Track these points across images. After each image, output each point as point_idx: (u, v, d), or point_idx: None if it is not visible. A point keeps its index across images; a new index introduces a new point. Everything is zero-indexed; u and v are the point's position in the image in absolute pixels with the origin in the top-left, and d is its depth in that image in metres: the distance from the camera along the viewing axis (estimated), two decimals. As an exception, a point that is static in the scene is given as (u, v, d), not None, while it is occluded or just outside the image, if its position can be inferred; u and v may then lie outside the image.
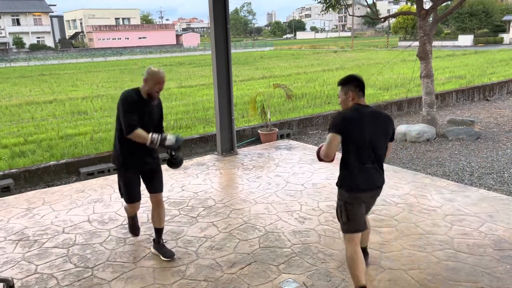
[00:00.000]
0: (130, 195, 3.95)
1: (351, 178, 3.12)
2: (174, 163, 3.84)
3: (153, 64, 33.70)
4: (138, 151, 3.74)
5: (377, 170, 3.15)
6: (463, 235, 4.19)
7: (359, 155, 3.07)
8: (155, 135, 3.62)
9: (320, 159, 3.25)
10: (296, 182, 5.86)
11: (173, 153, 3.76)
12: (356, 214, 3.15)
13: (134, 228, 4.35)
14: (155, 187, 3.97)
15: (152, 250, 4.07)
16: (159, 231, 4.04)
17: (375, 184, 3.18)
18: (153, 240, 4.10)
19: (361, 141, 3.05)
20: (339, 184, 3.21)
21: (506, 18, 47.71)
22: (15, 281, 3.31)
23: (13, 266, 3.91)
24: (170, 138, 3.66)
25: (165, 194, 5.56)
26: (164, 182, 5.97)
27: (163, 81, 3.70)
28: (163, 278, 3.64)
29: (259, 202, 5.22)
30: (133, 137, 3.59)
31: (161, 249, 4.00)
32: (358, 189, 3.12)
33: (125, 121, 3.57)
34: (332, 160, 3.15)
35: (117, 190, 5.71)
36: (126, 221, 4.69)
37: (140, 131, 3.58)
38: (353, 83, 3.16)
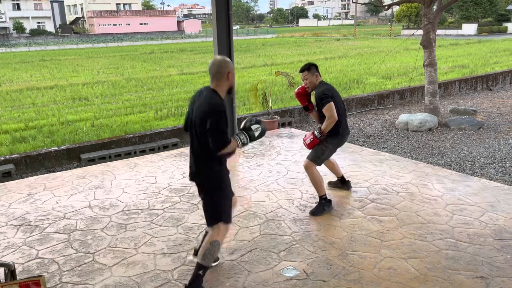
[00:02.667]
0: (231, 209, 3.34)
1: (341, 128, 4.43)
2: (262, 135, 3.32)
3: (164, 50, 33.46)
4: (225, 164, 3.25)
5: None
6: (464, 225, 4.19)
7: (340, 114, 4.32)
8: (241, 135, 3.18)
9: (309, 146, 4.46)
10: (297, 170, 5.85)
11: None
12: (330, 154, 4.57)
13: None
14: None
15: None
16: None
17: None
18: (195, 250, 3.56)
19: (340, 104, 4.41)
20: (336, 133, 4.38)
21: (510, 7, 47.22)
22: (16, 265, 3.32)
23: (14, 251, 3.93)
24: (255, 126, 3.20)
25: (166, 181, 5.57)
26: (165, 169, 6.02)
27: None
28: (164, 265, 3.65)
29: (260, 190, 5.22)
30: (229, 150, 3.07)
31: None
32: (344, 134, 4.54)
33: (221, 133, 2.95)
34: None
35: (118, 177, 5.75)
36: (133, 207, 4.71)
37: (231, 143, 3.06)
38: (314, 66, 4.41)
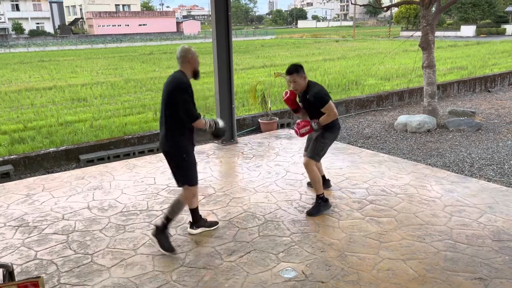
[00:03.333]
0: (197, 173, 3.91)
1: (338, 124, 4.54)
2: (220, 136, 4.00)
3: (153, 51, 33.48)
4: (192, 136, 3.82)
5: None
6: (462, 226, 4.20)
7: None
8: (210, 120, 3.76)
9: (302, 135, 4.43)
10: (296, 171, 5.85)
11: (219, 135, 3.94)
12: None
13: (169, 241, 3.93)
14: None
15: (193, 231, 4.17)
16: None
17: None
18: (190, 222, 4.20)
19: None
20: (335, 127, 4.46)
21: (509, 9, 47.30)
22: (14, 266, 3.31)
23: (12, 251, 3.92)
24: (221, 122, 3.85)
25: (165, 182, 5.57)
26: (164, 170, 6.01)
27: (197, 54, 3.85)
28: (162, 266, 3.65)
29: (259, 191, 5.22)
30: (196, 124, 3.65)
31: (205, 223, 4.21)
32: (339, 128, 4.61)
33: (190, 109, 3.58)
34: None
35: (117, 178, 5.74)
36: (132, 208, 4.71)
37: (200, 119, 3.66)
38: (301, 67, 4.34)
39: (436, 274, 3.43)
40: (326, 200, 4.56)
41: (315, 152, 4.46)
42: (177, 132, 3.67)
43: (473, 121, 8.37)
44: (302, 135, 4.44)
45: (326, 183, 5.06)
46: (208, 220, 4.29)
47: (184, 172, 3.80)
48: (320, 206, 4.51)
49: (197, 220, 4.17)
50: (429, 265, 3.56)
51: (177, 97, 3.56)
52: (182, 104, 3.56)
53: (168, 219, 3.85)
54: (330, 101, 4.30)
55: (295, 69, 4.30)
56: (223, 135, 3.99)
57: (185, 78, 3.69)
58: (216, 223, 4.30)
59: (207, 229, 4.20)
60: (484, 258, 3.63)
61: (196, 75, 3.80)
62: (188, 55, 3.71)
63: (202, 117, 3.68)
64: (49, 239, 4.14)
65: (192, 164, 3.81)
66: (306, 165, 4.48)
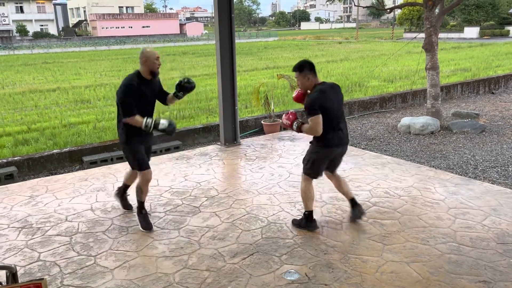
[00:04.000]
0: (144, 161, 4.26)
1: (330, 139, 3.97)
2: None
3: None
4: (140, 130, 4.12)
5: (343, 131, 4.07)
6: (466, 228, 4.18)
7: (331, 122, 3.90)
8: (149, 120, 4.03)
9: (283, 124, 4.12)
10: (299, 173, 5.82)
11: (179, 92, 4.29)
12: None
13: (147, 220, 4.41)
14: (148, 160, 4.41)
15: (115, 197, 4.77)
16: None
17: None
18: (119, 188, 4.76)
19: (335, 110, 3.92)
20: (324, 142, 3.99)
21: (513, 10, 47.17)
22: (18, 268, 3.32)
23: (16, 253, 3.93)
24: (163, 122, 4.07)
25: (167, 183, 5.57)
26: (167, 171, 6.02)
27: (158, 55, 4.12)
28: (165, 268, 3.65)
29: (261, 193, 5.21)
30: (130, 122, 4.01)
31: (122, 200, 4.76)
32: (334, 145, 4.03)
33: (124, 107, 3.99)
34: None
35: (120, 179, 5.74)
36: (135, 210, 4.72)
37: (137, 117, 4.00)
38: (308, 67, 3.89)
39: (440, 277, 3.41)
40: (311, 221, 4.19)
41: (303, 165, 4.15)
42: (119, 125, 4.16)
43: (477, 123, 8.34)
44: (282, 124, 4.26)
45: (355, 208, 4.31)
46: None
47: (129, 159, 4.33)
48: (302, 222, 4.23)
49: (119, 193, 4.76)
50: (433, 267, 3.54)
51: (118, 95, 4.01)
52: (119, 101, 4.00)
53: (139, 202, 4.38)
54: (318, 116, 3.75)
55: (298, 68, 3.94)
56: (170, 134, 4.21)
57: (135, 78, 4.03)
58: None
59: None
60: (489, 261, 3.61)
61: (153, 75, 4.10)
62: (142, 57, 4.05)
63: (147, 117, 4.02)
64: (52, 240, 4.15)
65: (134, 152, 4.19)
66: (301, 177, 4.22)
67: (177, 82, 4.26)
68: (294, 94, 4.28)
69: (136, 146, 4.18)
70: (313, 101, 3.81)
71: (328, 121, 3.83)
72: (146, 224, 4.32)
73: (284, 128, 4.27)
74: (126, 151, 4.27)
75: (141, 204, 4.38)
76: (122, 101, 3.98)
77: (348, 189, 4.35)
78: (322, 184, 5.39)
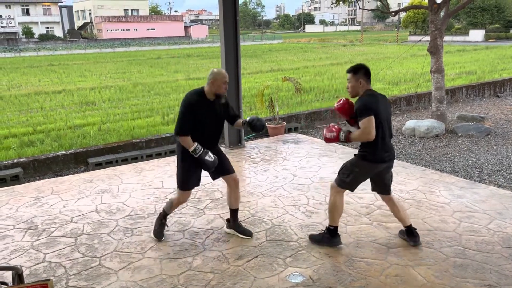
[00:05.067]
0: (188, 182, 4.00)
1: (378, 153, 3.64)
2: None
3: (165, 55, 33.66)
4: (207, 143, 3.90)
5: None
6: (472, 232, 4.16)
7: (381, 133, 3.58)
8: (199, 148, 3.76)
9: (326, 139, 3.75)
10: (304, 176, 5.84)
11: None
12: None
13: (162, 231, 4.24)
14: (228, 168, 4.12)
15: (227, 230, 4.31)
16: (234, 212, 4.25)
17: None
18: (227, 220, 4.32)
19: (386, 121, 3.63)
20: (370, 157, 3.65)
21: (518, 13, 46.96)
22: (23, 269, 3.33)
23: (21, 254, 3.95)
24: (209, 157, 3.81)
25: (173, 185, 5.58)
26: (172, 173, 6.03)
27: (227, 80, 3.82)
28: (170, 269, 3.65)
29: (266, 195, 5.21)
30: (180, 140, 3.80)
31: (238, 228, 4.24)
32: (380, 160, 3.67)
33: (180, 122, 3.75)
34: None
35: (125, 181, 5.77)
36: (139, 212, 4.73)
37: (188, 138, 3.76)
38: (363, 70, 3.66)
39: (445, 281, 3.40)
40: (334, 236, 3.93)
41: (340, 176, 3.80)
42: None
43: (482, 127, 8.30)
44: (326, 139, 3.76)
45: (410, 237, 3.96)
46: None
47: (177, 173, 4.04)
48: (324, 238, 3.95)
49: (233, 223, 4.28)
50: (438, 271, 3.53)
51: (180, 107, 3.82)
52: (178, 115, 3.80)
53: (164, 211, 4.20)
54: (371, 117, 3.46)
55: (352, 69, 3.70)
56: (207, 169, 3.94)
57: (195, 95, 3.79)
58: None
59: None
60: (494, 265, 3.60)
61: (217, 97, 3.83)
62: (211, 77, 3.77)
63: (197, 145, 3.77)
64: (57, 241, 4.17)
65: (184, 170, 3.95)
66: (331, 188, 3.90)
67: (248, 119, 3.93)
68: (338, 103, 3.77)
69: (189, 165, 3.91)
70: (367, 102, 3.54)
71: (378, 130, 3.52)
72: (159, 233, 4.16)
73: (325, 139, 3.81)
74: (177, 166, 4.01)
75: (165, 215, 4.20)
76: (179, 115, 3.76)
77: (404, 216, 3.94)
78: (326, 187, 5.38)
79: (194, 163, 3.88)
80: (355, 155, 3.76)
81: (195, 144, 3.76)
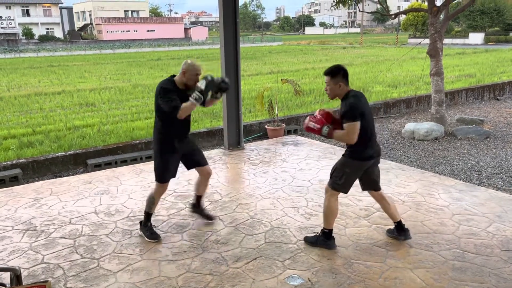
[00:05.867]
0: (166, 174, 4.12)
1: (366, 152, 3.70)
2: (223, 90, 3.99)
3: (170, 57, 33.69)
4: (182, 134, 4.10)
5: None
6: (471, 235, 4.16)
7: (366, 134, 3.62)
8: (193, 96, 3.77)
9: (307, 128, 3.73)
10: (303, 178, 5.84)
11: (215, 93, 3.96)
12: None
13: (153, 231, 4.30)
14: (203, 161, 4.34)
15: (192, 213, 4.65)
16: (200, 198, 4.54)
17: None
18: (192, 204, 4.62)
19: (370, 122, 3.66)
20: (358, 155, 3.71)
21: (518, 16, 47.05)
22: (22, 270, 3.33)
23: (20, 255, 3.94)
24: (199, 84, 3.81)
25: (171, 187, 5.56)
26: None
27: (199, 72, 3.95)
28: (168, 271, 3.65)
29: (265, 198, 5.21)
30: (182, 113, 3.80)
31: (202, 212, 4.57)
32: (367, 158, 3.73)
33: (169, 105, 3.79)
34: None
35: (124, 182, 5.77)
36: (138, 213, 4.73)
37: (184, 104, 3.79)
38: (342, 72, 3.62)
39: (444, 284, 3.40)
40: (329, 238, 3.95)
41: (333, 179, 3.82)
42: (154, 132, 4.09)
43: (482, 129, 8.31)
44: (307, 128, 3.71)
45: (400, 232, 4.05)
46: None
47: (154, 165, 4.15)
48: (318, 240, 3.98)
49: (195, 207, 4.61)
50: (437, 274, 3.52)
51: (157, 97, 3.87)
52: (160, 101, 3.83)
53: (146, 213, 4.25)
54: (357, 124, 3.50)
55: (330, 71, 3.66)
56: (223, 90, 3.95)
57: (168, 82, 3.91)
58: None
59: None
60: (493, 268, 3.59)
61: (186, 87, 3.92)
62: (183, 67, 3.93)
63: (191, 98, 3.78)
64: (56, 243, 4.16)
65: (162, 162, 4.07)
66: (325, 192, 3.90)
67: (209, 79, 3.82)
68: (316, 116, 3.70)
69: (168, 157, 4.05)
70: (354, 106, 3.52)
71: (365, 130, 3.57)
72: (152, 235, 4.19)
73: (306, 127, 3.76)
74: (156, 159, 4.11)
75: (148, 216, 4.24)
76: (163, 100, 3.78)
77: (395, 212, 4.02)
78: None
79: (172, 156, 4.07)
80: (343, 155, 3.81)
81: (189, 100, 3.77)
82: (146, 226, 4.24)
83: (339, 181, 3.77)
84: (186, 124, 4.10)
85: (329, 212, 3.86)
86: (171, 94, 3.80)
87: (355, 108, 3.52)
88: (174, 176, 4.17)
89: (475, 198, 5.05)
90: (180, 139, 4.08)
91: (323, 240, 3.96)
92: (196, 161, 4.29)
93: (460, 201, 4.97)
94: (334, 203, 3.84)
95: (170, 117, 3.83)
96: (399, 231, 4.04)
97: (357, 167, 3.74)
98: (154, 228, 4.31)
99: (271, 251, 3.94)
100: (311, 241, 4.03)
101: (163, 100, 3.80)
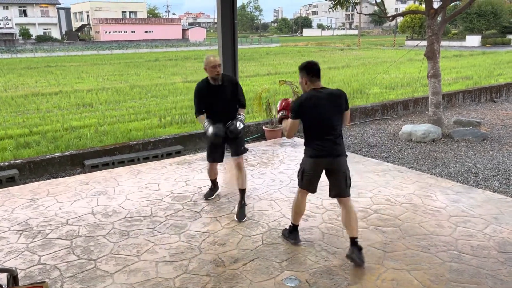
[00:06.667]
0: (209, 154, 4.97)
1: (309, 152, 3.79)
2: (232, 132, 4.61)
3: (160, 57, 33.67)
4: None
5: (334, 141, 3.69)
6: (468, 237, 4.17)
7: (310, 131, 3.72)
8: (206, 124, 4.57)
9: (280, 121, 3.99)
10: (300, 179, 5.83)
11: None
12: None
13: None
14: (234, 151, 4.78)
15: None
16: (240, 192, 4.80)
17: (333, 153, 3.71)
18: (210, 188, 5.33)
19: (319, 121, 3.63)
20: (306, 150, 3.86)
21: (514, 19, 47.28)
22: (18, 271, 3.31)
23: (16, 256, 3.93)
24: (210, 130, 4.50)
25: (169, 188, 5.57)
26: (168, 176, 6.02)
27: (215, 64, 4.46)
28: (165, 272, 3.64)
29: (262, 199, 5.21)
30: (197, 120, 4.79)
31: (238, 209, 4.73)
32: (315, 155, 3.73)
33: (195, 106, 4.70)
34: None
35: (122, 183, 5.76)
36: (135, 214, 4.72)
37: (201, 116, 4.67)
38: (305, 70, 3.69)
39: (441, 285, 3.40)
40: (293, 233, 4.08)
41: (297, 176, 3.96)
42: None
43: (479, 131, 8.33)
44: (278, 111, 4.00)
45: (351, 250, 3.71)
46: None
47: None
48: (286, 232, 4.17)
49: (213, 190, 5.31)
50: (434, 275, 3.53)
51: None
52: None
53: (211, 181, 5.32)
54: (293, 121, 3.66)
55: (299, 67, 3.79)
56: (213, 139, 4.62)
57: (200, 82, 4.64)
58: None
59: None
60: (490, 270, 3.60)
61: (213, 80, 4.55)
62: (204, 65, 4.55)
63: (205, 120, 4.62)
64: (53, 244, 4.15)
65: (208, 143, 4.90)
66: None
67: (214, 132, 4.53)
68: (283, 101, 3.96)
69: (210, 140, 4.68)
70: (293, 105, 3.72)
71: (315, 130, 3.64)
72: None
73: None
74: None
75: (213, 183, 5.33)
76: (194, 100, 4.69)
77: (353, 226, 3.72)
78: (322, 191, 5.38)
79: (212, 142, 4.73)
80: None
81: (205, 121, 4.60)
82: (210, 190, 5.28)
83: (300, 178, 3.90)
84: (221, 113, 4.62)
85: (294, 207, 4.04)
86: (195, 98, 4.67)
87: (293, 107, 3.71)
88: (220, 160, 5.03)
89: (472, 200, 5.06)
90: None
91: (289, 233, 4.16)
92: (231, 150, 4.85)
93: (457, 203, 4.98)
94: (299, 201, 3.97)
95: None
96: (353, 247, 3.70)
97: (311, 165, 3.77)
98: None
99: (269, 252, 3.94)
100: (283, 234, 4.25)
101: (194, 101, 4.74)
